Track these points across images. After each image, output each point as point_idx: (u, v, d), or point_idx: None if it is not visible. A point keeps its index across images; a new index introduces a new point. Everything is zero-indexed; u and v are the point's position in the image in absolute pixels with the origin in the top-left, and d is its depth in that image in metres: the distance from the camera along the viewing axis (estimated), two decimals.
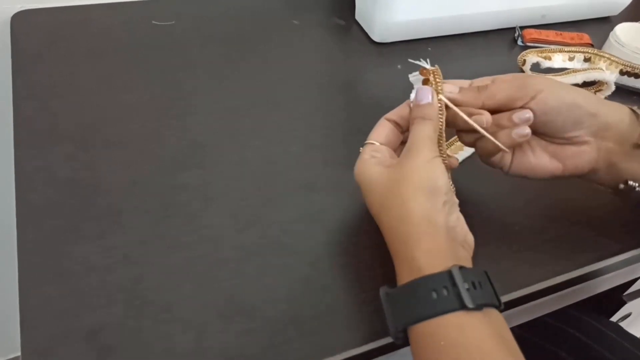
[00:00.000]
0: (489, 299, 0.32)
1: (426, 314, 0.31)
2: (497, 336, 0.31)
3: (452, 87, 0.41)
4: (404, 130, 0.42)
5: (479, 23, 0.72)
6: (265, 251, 0.42)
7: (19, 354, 0.34)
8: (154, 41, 0.63)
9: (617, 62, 0.62)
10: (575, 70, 0.61)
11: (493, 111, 0.40)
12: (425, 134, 0.38)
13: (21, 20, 0.63)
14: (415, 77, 0.42)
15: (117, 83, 0.56)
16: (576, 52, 0.62)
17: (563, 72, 0.61)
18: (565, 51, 0.62)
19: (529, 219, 0.47)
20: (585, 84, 0.61)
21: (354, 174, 0.40)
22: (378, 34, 0.67)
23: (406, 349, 0.39)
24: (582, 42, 0.71)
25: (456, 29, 0.71)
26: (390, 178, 0.37)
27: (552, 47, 0.65)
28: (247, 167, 0.49)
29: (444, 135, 0.40)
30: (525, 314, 0.54)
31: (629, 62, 0.62)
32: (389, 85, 0.61)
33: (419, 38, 0.69)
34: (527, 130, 0.39)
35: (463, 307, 0.31)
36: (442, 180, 0.36)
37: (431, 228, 0.34)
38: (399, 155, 0.39)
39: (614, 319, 0.74)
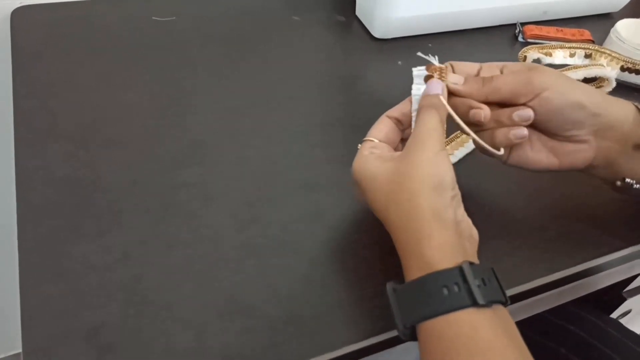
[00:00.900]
0: (497, 295, 0.32)
1: (437, 310, 0.31)
2: (505, 332, 0.31)
3: (457, 78, 0.40)
4: (405, 128, 0.41)
5: (479, 19, 0.71)
6: (265, 250, 0.42)
7: (19, 350, 0.34)
8: (154, 39, 0.62)
9: (618, 59, 0.61)
10: (576, 67, 0.60)
11: (496, 104, 0.40)
12: (432, 125, 0.37)
13: (21, 16, 0.63)
14: (419, 72, 0.41)
15: (117, 81, 0.56)
16: (577, 48, 0.62)
17: (564, 69, 0.60)
18: (566, 47, 0.62)
19: (530, 215, 0.47)
20: (586, 81, 0.60)
21: (352, 171, 0.39)
22: (379, 30, 0.67)
23: (407, 345, 0.39)
24: (583, 38, 0.71)
25: (457, 25, 0.71)
26: (395, 172, 0.36)
27: (553, 43, 0.65)
28: (247, 166, 0.49)
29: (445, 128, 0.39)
30: (525, 310, 0.54)
31: (630, 58, 0.61)
32: (389, 81, 0.61)
33: (419, 34, 0.69)
34: (525, 132, 0.39)
35: (474, 303, 0.31)
36: (450, 174, 0.35)
37: (441, 223, 0.34)
38: None
39: (614, 315, 0.74)
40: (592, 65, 0.61)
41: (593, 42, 0.71)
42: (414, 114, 0.40)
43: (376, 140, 0.40)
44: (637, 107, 0.41)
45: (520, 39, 0.71)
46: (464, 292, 0.31)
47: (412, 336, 0.33)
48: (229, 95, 0.56)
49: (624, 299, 0.70)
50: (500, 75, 0.40)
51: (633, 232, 0.47)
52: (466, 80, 0.40)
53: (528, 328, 0.64)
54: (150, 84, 0.56)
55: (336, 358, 0.36)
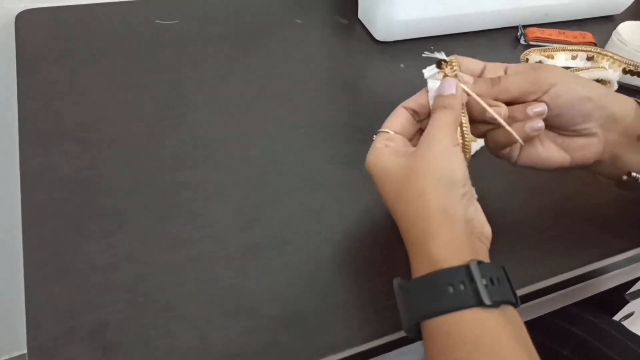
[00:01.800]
0: (506, 295, 0.32)
1: (441, 308, 0.31)
2: (512, 334, 0.30)
3: (466, 78, 0.40)
4: (421, 119, 0.40)
5: (481, 22, 0.72)
6: (268, 249, 0.42)
7: (24, 351, 0.34)
8: (156, 40, 0.63)
9: (620, 61, 0.62)
10: (578, 69, 0.61)
11: (505, 103, 0.40)
12: (445, 121, 0.36)
13: (25, 20, 0.63)
14: (430, 72, 0.40)
15: (120, 82, 0.56)
16: (579, 50, 0.62)
17: None
18: (568, 50, 0.62)
19: (532, 216, 0.47)
20: None
21: (366, 163, 0.38)
22: (381, 33, 0.67)
23: (407, 348, 0.39)
24: (585, 40, 0.71)
25: (459, 28, 0.71)
26: (406, 167, 0.36)
27: (555, 45, 0.65)
28: (249, 165, 0.49)
29: (469, 125, 0.39)
30: (528, 312, 0.54)
31: (632, 60, 0.62)
32: (391, 83, 0.61)
33: (421, 37, 0.69)
34: (541, 124, 0.39)
35: (480, 303, 0.30)
36: (461, 170, 0.35)
37: (449, 221, 0.33)
38: (414, 146, 0.38)
39: (616, 318, 0.74)
40: (594, 67, 0.61)
41: (595, 44, 0.71)
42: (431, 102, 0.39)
43: (391, 132, 0.39)
44: (637, 101, 0.42)
45: (522, 41, 0.71)
46: (470, 291, 0.31)
47: (417, 334, 0.33)
48: (231, 94, 0.57)
49: (627, 301, 0.70)
50: (507, 75, 0.40)
51: (636, 233, 0.47)
52: (475, 80, 0.40)
53: (529, 329, 0.64)
54: (153, 84, 0.56)
55: None
